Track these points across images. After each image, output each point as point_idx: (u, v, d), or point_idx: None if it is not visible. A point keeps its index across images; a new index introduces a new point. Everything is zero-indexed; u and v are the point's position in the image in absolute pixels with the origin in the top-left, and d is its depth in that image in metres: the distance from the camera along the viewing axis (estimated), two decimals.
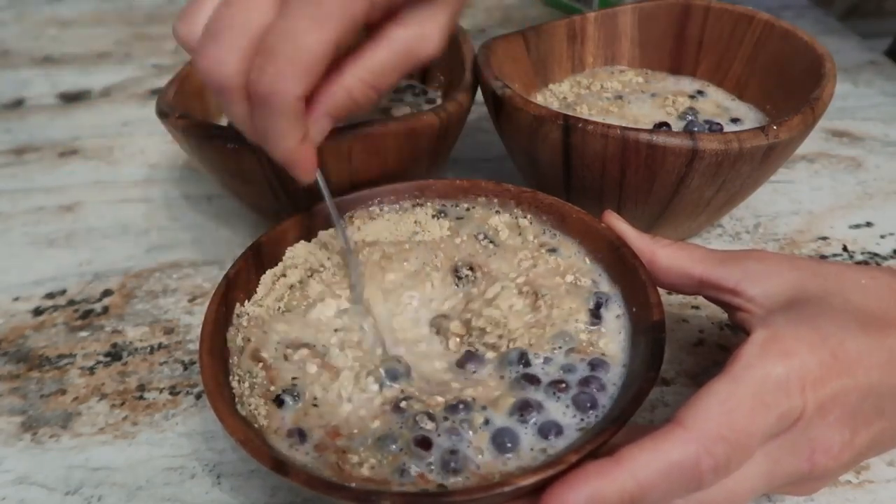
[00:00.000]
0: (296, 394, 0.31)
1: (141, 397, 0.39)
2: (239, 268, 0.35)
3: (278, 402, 0.31)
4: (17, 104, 0.68)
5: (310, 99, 0.30)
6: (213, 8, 0.30)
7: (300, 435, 0.29)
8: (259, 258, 0.37)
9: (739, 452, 0.25)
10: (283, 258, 0.37)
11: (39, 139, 0.62)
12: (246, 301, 0.35)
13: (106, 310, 0.44)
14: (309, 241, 0.38)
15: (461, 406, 0.30)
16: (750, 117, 0.47)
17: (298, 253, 0.38)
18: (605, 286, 0.35)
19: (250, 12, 0.28)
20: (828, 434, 0.26)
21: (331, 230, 0.39)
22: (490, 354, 0.33)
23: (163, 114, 0.42)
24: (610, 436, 0.27)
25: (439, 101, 0.52)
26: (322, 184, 0.34)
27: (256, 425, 0.30)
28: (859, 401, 0.26)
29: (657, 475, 0.24)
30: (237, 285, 0.35)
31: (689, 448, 0.24)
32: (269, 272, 0.37)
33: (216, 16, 0.29)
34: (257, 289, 0.36)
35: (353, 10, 0.28)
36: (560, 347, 0.32)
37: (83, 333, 0.43)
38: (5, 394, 0.39)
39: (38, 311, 0.45)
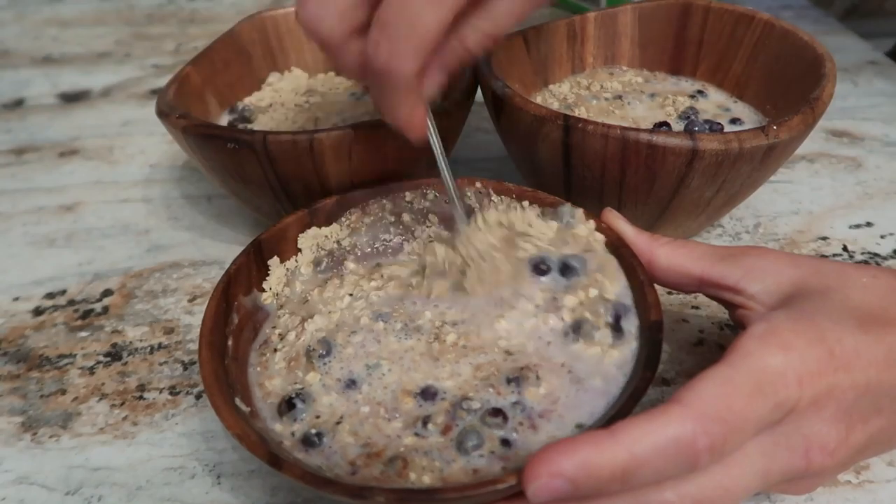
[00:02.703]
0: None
1: (141, 397, 0.39)
2: (240, 264, 0.35)
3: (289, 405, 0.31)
4: (17, 104, 0.68)
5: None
6: None
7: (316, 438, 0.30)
8: (260, 255, 0.37)
9: (736, 435, 0.24)
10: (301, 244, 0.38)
11: (39, 139, 0.62)
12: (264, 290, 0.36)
13: (106, 310, 0.44)
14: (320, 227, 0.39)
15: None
16: (750, 117, 0.47)
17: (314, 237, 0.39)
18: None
19: None
20: (823, 430, 0.26)
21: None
22: None
23: (163, 114, 0.42)
24: None
25: (439, 101, 0.52)
26: (435, 141, 0.34)
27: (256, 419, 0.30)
28: (856, 398, 0.26)
29: (652, 450, 0.24)
30: (238, 281, 0.35)
31: (687, 426, 0.24)
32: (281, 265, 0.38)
33: None
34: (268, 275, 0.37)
35: None
36: None
37: (83, 333, 0.43)
38: (5, 394, 0.39)
39: (38, 311, 0.45)
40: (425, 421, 0.30)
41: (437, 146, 0.34)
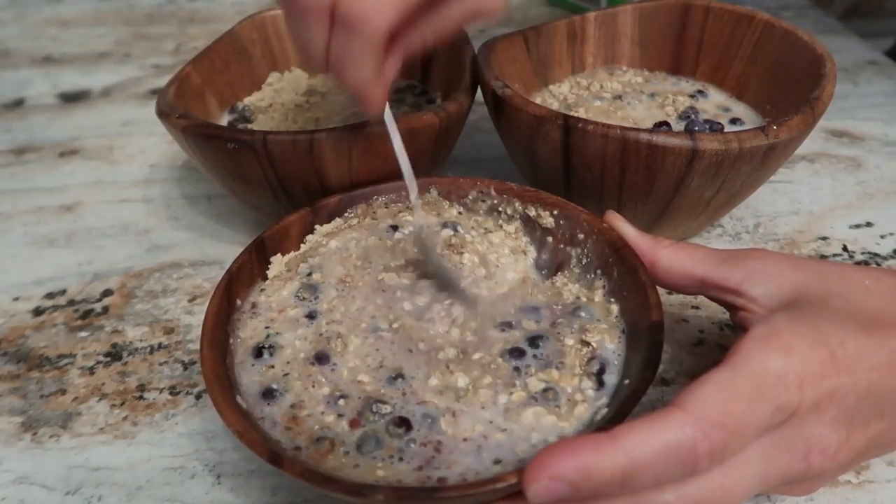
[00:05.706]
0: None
1: (141, 397, 0.39)
2: (242, 262, 0.35)
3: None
4: (17, 104, 0.68)
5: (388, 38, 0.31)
6: None
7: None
8: (262, 253, 0.37)
9: (736, 439, 0.24)
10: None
11: (39, 139, 0.62)
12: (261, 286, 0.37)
13: (106, 310, 0.44)
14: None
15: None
16: (750, 117, 0.47)
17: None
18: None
19: None
20: (824, 433, 0.26)
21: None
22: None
23: (163, 114, 0.42)
24: None
25: (439, 101, 0.52)
26: (390, 122, 0.36)
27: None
28: (857, 401, 0.26)
29: (652, 455, 0.24)
30: (240, 279, 0.35)
31: (687, 430, 0.24)
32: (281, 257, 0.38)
33: None
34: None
35: None
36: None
37: (83, 333, 0.43)
38: (5, 394, 0.39)
39: (38, 311, 0.45)
40: (339, 398, 0.31)
41: (393, 127, 0.36)
